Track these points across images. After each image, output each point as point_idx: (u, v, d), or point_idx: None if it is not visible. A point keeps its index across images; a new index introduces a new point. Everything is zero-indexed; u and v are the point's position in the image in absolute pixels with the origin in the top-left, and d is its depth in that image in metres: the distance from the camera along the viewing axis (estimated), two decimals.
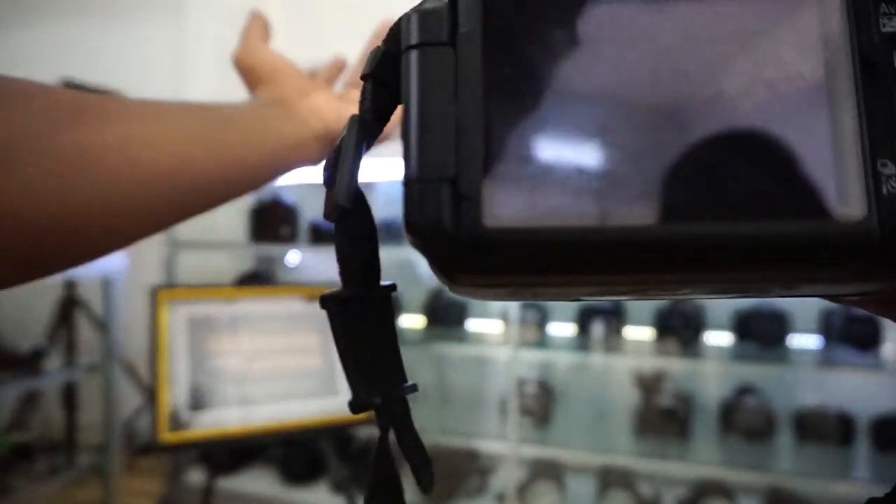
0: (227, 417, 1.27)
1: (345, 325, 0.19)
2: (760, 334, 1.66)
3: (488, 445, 1.81)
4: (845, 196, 0.14)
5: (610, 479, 1.70)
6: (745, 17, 0.15)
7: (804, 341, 1.71)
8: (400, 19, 0.16)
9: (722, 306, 1.71)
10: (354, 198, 0.18)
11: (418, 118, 0.15)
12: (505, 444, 1.74)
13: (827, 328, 1.65)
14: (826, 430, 1.62)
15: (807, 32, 0.15)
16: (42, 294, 2.33)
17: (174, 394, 1.22)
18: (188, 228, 2.05)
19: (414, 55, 0.15)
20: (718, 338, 1.75)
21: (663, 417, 1.68)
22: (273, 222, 2.06)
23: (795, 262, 0.14)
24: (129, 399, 2.07)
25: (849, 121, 0.14)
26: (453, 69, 0.15)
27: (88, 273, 1.86)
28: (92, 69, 2.49)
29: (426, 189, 0.15)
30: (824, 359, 1.66)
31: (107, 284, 1.80)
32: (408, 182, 0.15)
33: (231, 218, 2.29)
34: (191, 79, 2.51)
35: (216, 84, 2.48)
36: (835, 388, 1.73)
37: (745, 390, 1.74)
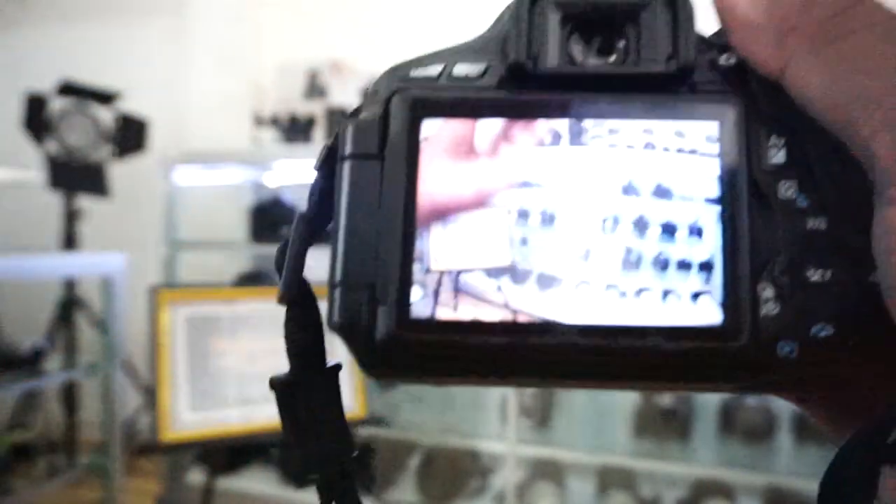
0: (227, 417, 1.27)
1: (289, 406, 0.19)
2: None
3: (488, 445, 1.81)
4: (729, 314, 0.16)
5: (610, 479, 1.70)
6: (654, 136, 0.16)
7: None
8: (340, 125, 0.18)
9: None
10: (300, 289, 0.19)
11: (345, 226, 0.17)
12: (505, 445, 1.74)
13: None
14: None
15: (708, 160, 0.16)
16: (42, 294, 2.33)
17: (174, 394, 1.22)
18: (188, 228, 2.05)
19: (346, 165, 0.17)
20: None
21: (663, 417, 1.69)
22: (273, 222, 2.06)
23: (681, 373, 0.16)
24: (130, 399, 2.07)
25: (735, 244, 0.16)
26: (379, 182, 0.16)
27: (88, 273, 1.86)
28: (92, 69, 2.49)
29: (347, 293, 0.16)
30: None
31: (107, 284, 1.80)
32: (332, 285, 0.16)
33: (231, 218, 2.29)
34: (191, 79, 2.51)
35: (216, 84, 2.48)
36: None
37: None
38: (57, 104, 2.02)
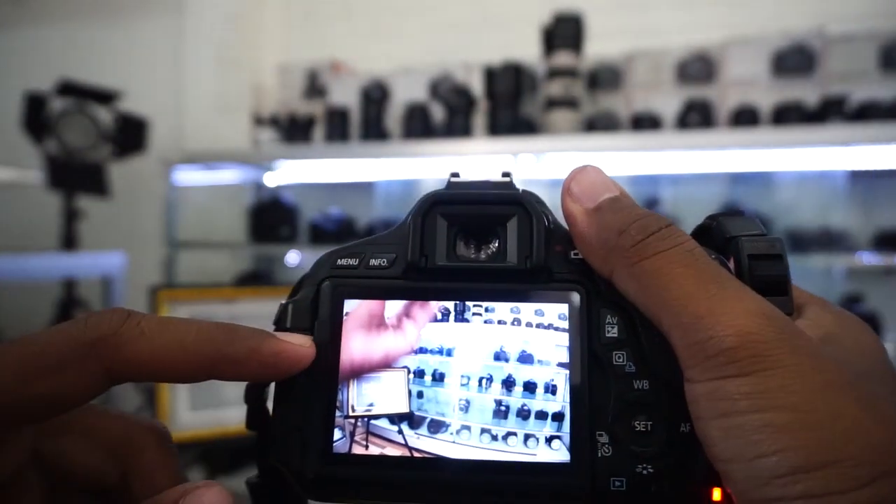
0: (227, 417, 1.27)
1: (258, 501, 0.24)
2: None
3: None
4: (574, 454, 0.20)
5: None
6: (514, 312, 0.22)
7: None
8: (281, 305, 0.23)
9: None
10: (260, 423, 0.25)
11: (280, 386, 0.22)
12: None
13: None
14: None
15: (560, 334, 0.21)
16: (41, 294, 2.33)
17: (174, 394, 1.22)
18: (188, 228, 2.05)
19: (288, 308, 0.22)
20: None
21: None
22: (273, 222, 2.05)
23: (539, 500, 0.20)
24: (129, 399, 2.06)
25: (579, 401, 0.21)
26: (308, 327, 0.22)
27: (88, 273, 1.86)
28: (91, 69, 2.48)
29: (282, 436, 0.21)
30: None
31: (106, 284, 1.79)
32: (270, 429, 0.22)
33: (231, 218, 2.29)
34: (191, 79, 2.50)
35: (216, 84, 2.48)
36: None
37: None
38: (56, 104, 2.02)
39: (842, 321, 0.21)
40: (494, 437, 0.21)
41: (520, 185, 0.23)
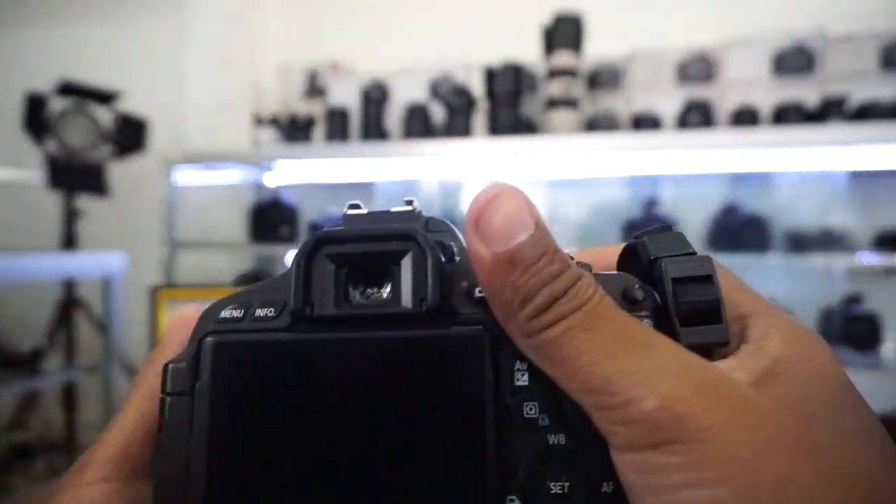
0: None
1: None
2: None
3: None
4: None
5: None
6: (413, 363, 0.19)
7: None
8: (164, 365, 0.20)
9: None
10: None
11: (162, 454, 0.19)
12: None
13: (826, 328, 1.65)
14: None
15: (465, 387, 0.18)
16: (41, 294, 2.33)
17: None
18: (188, 229, 2.05)
19: (166, 401, 0.20)
20: None
21: None
22: (273, 222, 2.05)
23: None
24: None
25: (484, 463, 0.18)
26: (189, 415, 0.19)
27: (88, 273, 1.86)
28: (92, 69, 2.48)
29: (164, 496, 0.19)
30: None
31: (106, 285, 1.79)
32: (155, 486, 0.19)
33: (231, 218, 2.29)
34: (190, 79, 2.50)
35: (216, 84, 2.48)
36: None
37: None
38: (56, 104, 2.02)
39: (792, 340, 0.18)
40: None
41: (426, 213, 0.21)
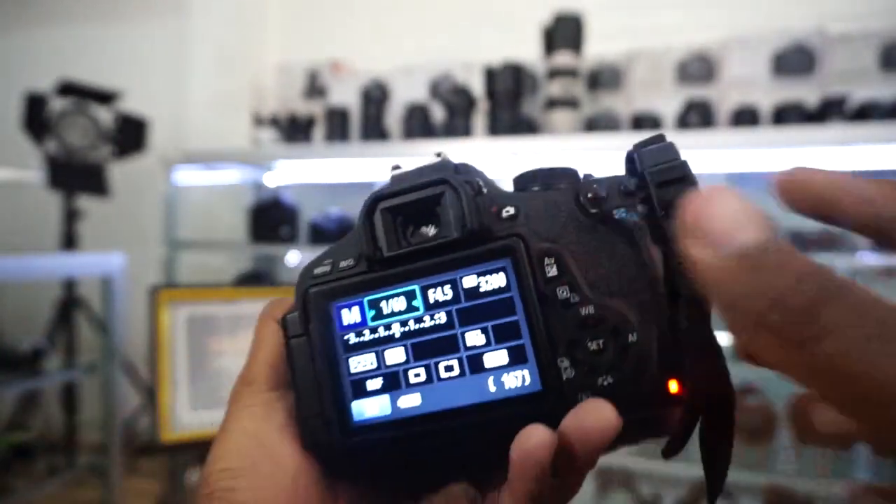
0: None
1: None
2: None
3: None
4: (544, 382, 0.23)
5: (610, 479, 1.70)
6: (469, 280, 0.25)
7: None
8: (282, 319, 0.27)
9: None
10: None
11: (295, 382, 0.26)
12: None
13: None
14: None
15: (511, 282, 0.24)
16: (42, 294, 2.33)
17: (174, 394, 1.22)
18: (188, 228, 2.05)
19: (290, 344, 0.26)
20: (719, 337, 1.74)
21: None
22: (273, 222, 2.05)
23: (520, 426, 0.22)
24: (129, 399, 2.07)
25: (537, 336, 0.23)
26: (309, 349, 0.26)
27: (88, 273, 1.86)
28: (92, 69, 2.48)
29: (307, 422, 0.26)
30: None
31: (107, 284, 1.79)
32: (297, 419, 0.26)
33: (231, 218, 2.29)
34: (191, 79, 2.51)
35: (216, 84, 2.48)
36: None
37: (745, 390, 1.74)
38: (57, 104, 2.02)
39: None
40: (471, 383, 0.24)
41: (454, 161, 0.26)
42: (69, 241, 2.11)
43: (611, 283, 0.23)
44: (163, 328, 1.24)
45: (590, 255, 0.23)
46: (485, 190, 0.25)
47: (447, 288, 0.25)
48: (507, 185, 0.27)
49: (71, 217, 2.11)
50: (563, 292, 0.23)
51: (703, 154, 1.63)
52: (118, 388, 1.80)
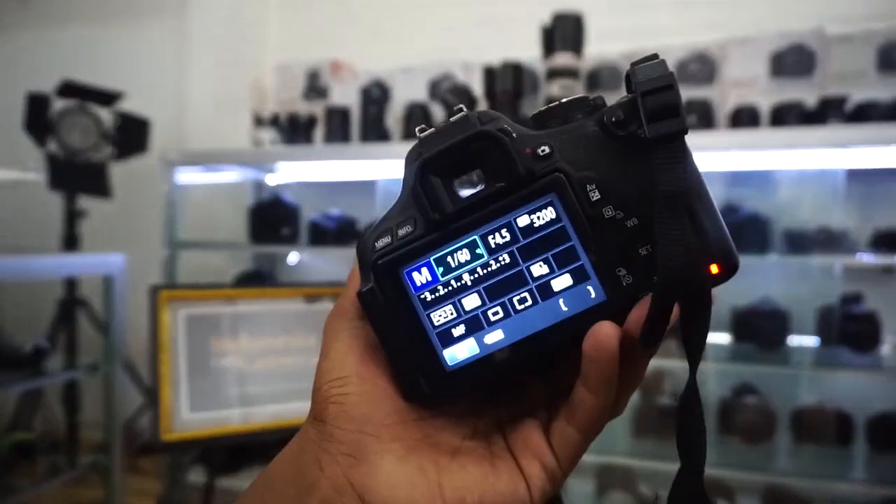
0: (228, 417, 1.28)
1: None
2: (759, 334, 1.67)
3: None
4: (608, 292, 0.26)
5: (610, 479, 1.70)
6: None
7: (803, 341, 1.71)
8: (358, 294, 0.28)
9: (721, 306, 1.72)
10: None
11: (386, 347, 0.28)
12: None
13: (825, 329, 1.65)
14: (825, 430, 1.62)
15: (562, 214, 0.26)
16: (43, 294, 2.34)
17: (174, 394, 1.23)
18: (189, 229, 2.05)
19: (372, 317, 0.28)
20: (717, 338, 1.75)
21: (663, 417, 1.69)
22: (273, 222, 2.06)
23: (580, 326, 0.26)
24: (130, 399, 2.07)
25: (594, 254, 0.26)
26: (392, 317, 0.28)
27: (89, 273, 1.87)
28: (93, 70, 2.49)
29: (405, 376, 0.28)
30: (823, 359, 1.66)
31: (108, 284, 1.80)
32: (394, 374, 0.28)
33: (231, 218, 2.29)
34: (191, 79, 2.51)
35: (216, 84, 2.49)
36: (833, 388, 1.74)
37: (743, 390, 1.74)
38: (58, 105, 2.02)
39: None
40: (552, 301, 0.27)
41: (476, 111, 0.27)
42: (70, 242, 2.12)
43: (644, 194, 0.25)
44: (163, 328, 1.24)
45: (623, 173, 0.26)
46: (514, 134, 0.27)
47: (504, 231, 0.27)
48: None
49: (72, 217, 2.12)
50: (608, 211, 0.26)
51: (703, 154, 1.63)
52: (119, 387, 1.80)
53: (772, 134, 1.56)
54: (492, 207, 0.27)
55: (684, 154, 0.24)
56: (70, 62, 2.66)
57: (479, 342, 0.27)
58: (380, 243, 0.28)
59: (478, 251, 0.27)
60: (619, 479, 1.68)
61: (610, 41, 1.89)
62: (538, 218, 0.26)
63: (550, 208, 0.26)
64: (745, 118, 1.64)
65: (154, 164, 2.08)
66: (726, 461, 1.65)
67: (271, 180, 2.32)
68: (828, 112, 1.56)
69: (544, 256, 0.27)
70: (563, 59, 1.69)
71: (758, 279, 1.80)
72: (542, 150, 0.26)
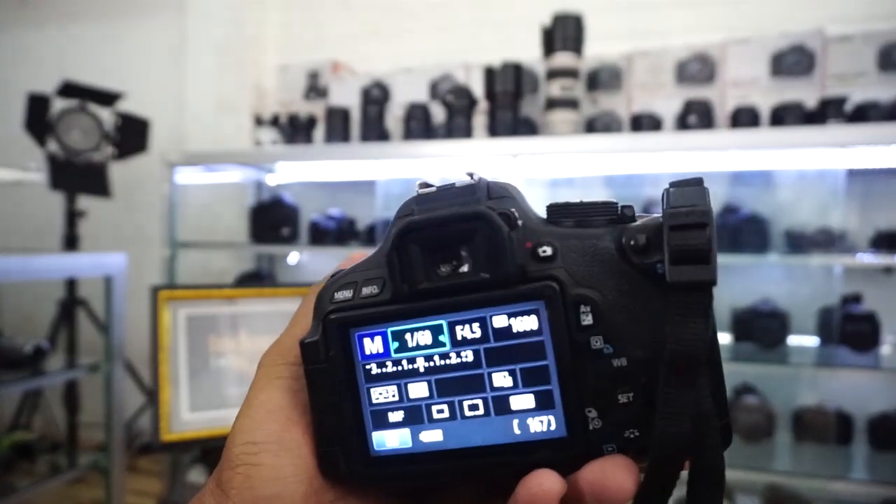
0: (228, 417, 1.28)
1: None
2: (759, 334, 1.67)
3: None
4: (570, 429, 0.23)
5: None
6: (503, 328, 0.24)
7: (803, 341, 1.71)
8: (300, 343, 0.26)
9: (720, 307, 1.72)
10: None
11: (314, 409, 0.25)
12: None
13: (825, 329, 1.66)
14: (824, 430, 1.62)
15: (544, 327, 0.23)
16: (43, 294, 2.34)
17: (174, 394, 1.23)
18: (189, 229, 2.05)
19: (308, 372, 0.25)
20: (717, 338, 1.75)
21: None
22: (273, 222, 2.06)
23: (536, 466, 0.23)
24: (131, 399, 2.07)
25: (568, 384, 0.23)
26: (328, 379, 0.25)
27: (90, 273, 1.87)
28: (93, 70, 2.49)
29: (327, 450, 0.25)
30: (823, 359, 1.66)
31: (108, 284, 1.80)
32: (317, 447, 0.25)
33: (231, 218, 2.30)
34: (191, 79, 2.51)
35: (216, 84, 2.49)
36: (833, 388, 1.74)
37: (744, 390, 1.74)
38: (58, 105, 2.02)
39: None
40: (504, 422, 0.24)
41: (487, 181, 0.25)
42: (71, 242, 2.12)
43: (644, 337, 0.22)
44: (163, 328, 1.24)
45: (627, 305, 0.22)
46: (520, 222, 0.24)
47: (476, 326, 0.24)
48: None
49: (72, 217, 2.12)
50: (596, 342, 0.22)
51: (703, 155, 1.63)
52: (119, 387, 1.80)
53: (772, 134, 1.56)
54: (471, 296, 0.24)
55: (707, 309, 0.21)
56: (70, 62, 2.66)
57: (414, 436, 0.25)
58: (339, 295, 0.25)
59: (441, 338, 0.24)
60: None
61: (610, 41, 1.89)
62: (518, 323, 0.23)
63: (534, 317, 0.23)
64: (745, 118, 1.64)
65: (154, 164, 2.08)
66: (726, 461, 1.65)
67: (271, 180, 2.32)
68: (828, 112, 1.56)
69: (512, 367, 0.23)
70: (563, 59, 1.70)
71: (758, 279, 1.80)
72: (544, 251, 0.23)
